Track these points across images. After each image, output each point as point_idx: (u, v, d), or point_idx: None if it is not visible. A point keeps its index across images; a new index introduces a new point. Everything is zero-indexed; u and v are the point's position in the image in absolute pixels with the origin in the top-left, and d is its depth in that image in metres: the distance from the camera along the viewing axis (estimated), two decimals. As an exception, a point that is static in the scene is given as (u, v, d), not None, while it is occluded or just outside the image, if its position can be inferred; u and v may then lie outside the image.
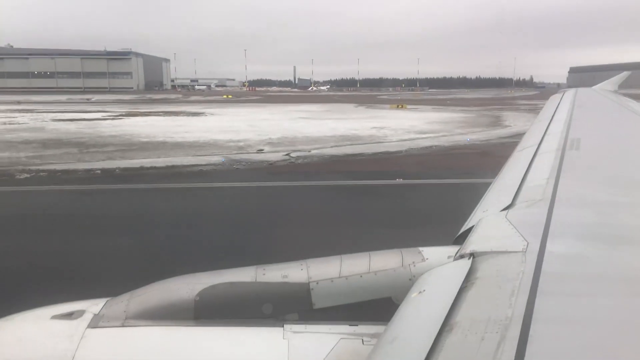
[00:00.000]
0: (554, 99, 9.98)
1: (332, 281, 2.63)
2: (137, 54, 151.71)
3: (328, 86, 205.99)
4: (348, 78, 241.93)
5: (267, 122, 38.82)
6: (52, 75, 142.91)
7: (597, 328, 1.61)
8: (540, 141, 4.94)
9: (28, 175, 17.62)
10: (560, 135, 5.11)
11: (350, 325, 2.46)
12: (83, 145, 25.35)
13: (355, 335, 2.38)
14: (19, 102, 67.31)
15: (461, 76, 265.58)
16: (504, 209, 2.93)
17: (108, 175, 18.02)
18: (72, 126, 35.64)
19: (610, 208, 2.82)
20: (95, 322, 2.47)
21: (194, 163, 20.17)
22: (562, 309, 1.70)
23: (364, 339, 2.35)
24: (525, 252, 2.16)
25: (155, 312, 2.53)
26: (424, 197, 14.90)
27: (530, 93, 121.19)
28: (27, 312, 2.59)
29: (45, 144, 25.94)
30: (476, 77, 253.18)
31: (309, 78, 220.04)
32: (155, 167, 19.32)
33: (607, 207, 2.84)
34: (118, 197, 15.17)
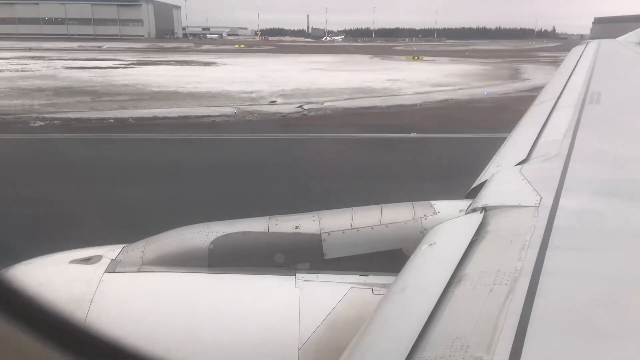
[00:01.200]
0: (576, 51, 9.69)
1: (343, 232, 2.66)
2: (147, 1, 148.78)
3: (342, 36, 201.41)
4: (363, 28, 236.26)
5: (279, 73, 38.34)
6: (62, 21, 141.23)
7: (607, 282, 1.62)
8: (560, 95, 4.83)
9: (42, 123, 17.73)
10: (580, 88, 4.99)
11: (360, 275, 2.50)
12: (95, 94, 25.33)
13: (365, 284, 2.43)
14: (30, 49, 66.92)
15: (481, 26, 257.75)
16: (519, 164, 2.91)
17: (121, 124, 18.08)
18: (84, 74, 35.52)
19: (628, 164, 2.78)
20: (113, 267, 2.54)
21: (205, 114, 20.12)
22: (572, 263, 1.71)
23: (374, 288, 2.39)
24: (538, 206, 2.15)
25: (170, 259, 2.59)
26: (438, 151, 14.79)
27: (551, 44, 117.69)
28: (46, 257, 2.67)
29: (58, 92, 25.95)
30: (496, 28, 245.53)
31: (322, 28, 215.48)
32: (167, 117, 19.33)
33: (624, 162, 2.80)
34: (131, 146, 15.26)
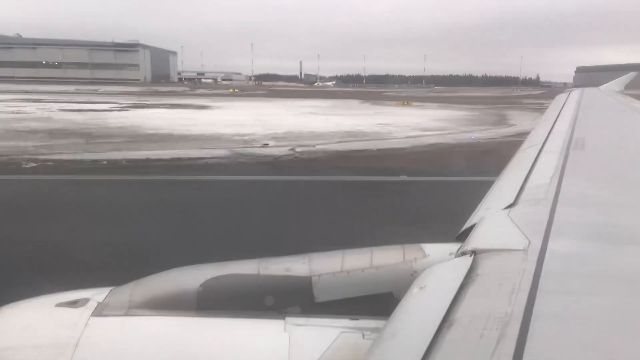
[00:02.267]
0: (560, 98, 9.93)
1: (334, 275, 2.64)
2: (144, 46, 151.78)
3: (334, 82, 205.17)
4: (354, 74, 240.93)
5: (272, 117, 38.82)
6: (59, 65, 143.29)
7: (597, 327, 1.62)
8: (545, 140, 4.93)
9: (35, 165, 17.70)
10: (565, 134, 5.10)
11: (351, 319, 2.47)
12: (90, 136, 25.44)
13: (356, 329, 2.40)
14: (26, 92, 67.51)
15: (467, 74, 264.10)
16: (507, 207, 2.93)
17: (114, 165, 18.09)
18: (79, 117, 35.75)
19: (614, 208, 2.82)
20: (99, 311, 2.50)
21: (198, 156, 20.21)
22: (562, 307, 1.71)
23: (365, 333, 2.37)
24: (526, 250, 2.17)
25: (159, 302, 2.55)
26: (428, 194, 14.88)
27: (536, 92, 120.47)
28: (32, 300, 2.62)
29: (52, 133, 26.04)
30: (482, 76, 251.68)
31: (315, 74, 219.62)
32: (160, 159, 19.38)
33: (610, 207, 2.84)
34: (124, 188, 15.22)
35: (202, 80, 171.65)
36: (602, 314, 1.70)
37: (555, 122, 6.22)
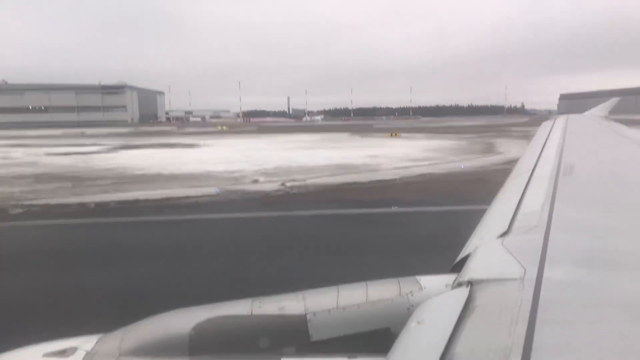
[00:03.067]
0: (546, 125, 10.08)
1: (329, 312, 2.59)
2: (131, 88, 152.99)
3: (322, 116, 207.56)
4: (342, 108, 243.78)
5: (261, 153, 38.99)
6: (46, 109, 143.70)
7: (598, 355, 1.59)
8: (534, 167, 4.97)
9: (21, 210, 17.49)
10: (553, 161, 5.15)
11: (348, 357, 2.42)
12: (77, 179, 25.29)
13: None
14: (13, 137, 67.39)
15: (454, 104, 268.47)
16: (500, 236, 2.92)
17: (102, 208, 17.93)
18: (66, 160, 35.63)
19: (607, 233, 2.82)
20: (88, 360, 2.42)
21: (188, 195, 20.12)
22: (562, 336, 1.68)
23: (363, 372, 2.31)
24: (523, 279, 2.15)
25: (149, 348, 2.48)
26: (420, 225, 14.87)
27: (522, 120, 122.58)
28: (19, 350, 2.54)
29: (39, 178, 25.86)
30: (468, 105, 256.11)
31: (302, 108, 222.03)
32: (149, 200, 19.26)
33: (603, 232, 2.84)
34: (113, 230, 15.05)
35: (190, 118, 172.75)
36: (604, 342, 1.68)
37: (542, 149, 6.29)
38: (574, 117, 11.66)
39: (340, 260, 10.85)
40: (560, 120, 10.70)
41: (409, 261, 10.26)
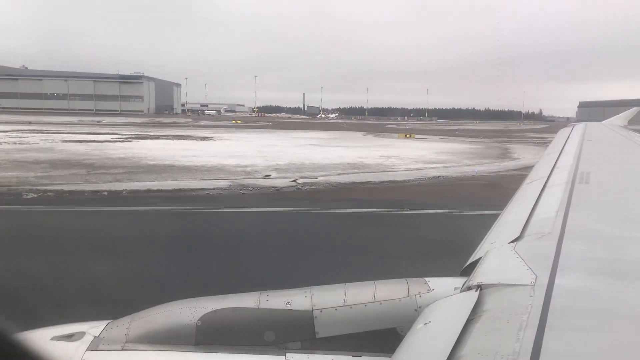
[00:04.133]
0: (564, 132, 9.98)
1: (336, 310, 2.59)
2: (149, 78, 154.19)
3: (337, 114, 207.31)
4: (357, 106, 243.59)
5: (274, 148, 39.06)
6: (64, 97, 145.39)
7: None
8: (550, 174, 4.92)
9: (35, 195, 17.72)
10: (569, 168, 5.09)
11: (353, 356, 2.41)
12: (91, 167, 25.55)
13: None
14: (30, 123, 68.27)
15: (470, 107, 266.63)
16: (512, 241, 2.90)
17: (114, 196, 18.10)
18: (81, 147, 36.01)
19: (621, 243, 2.79)
20: (95, 345, 2.44)
21: (200, 187, 20.23)
22: (571, 344, 1.66)
23: (368, 370, 2.31)
24: (533, 285, 2.13)
25: (156, 336, 2.50)
26: (431, 227, 14.80)
27: (539, 126, 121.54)
28: (27, 333, 2.57)
29: (54, 164, 26.17)
30: (485, 109, 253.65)
31: (317, 105, 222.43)
32: (161, 190, 19.40)
33: (617, 241, 2.81)
34: (123, 219, 15.18)
35: (206, 111, 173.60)
36: (612, 351, 1.66)
37: (559, 156, 6.23)
38: (592, 125, 11.53)
39: (347, 260, 10.84)
40: (579, 127, 10.59)
41: (416, 263, 10.22)
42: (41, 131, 52.69)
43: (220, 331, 2.52)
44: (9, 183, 19.95)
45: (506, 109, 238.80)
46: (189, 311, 2.58)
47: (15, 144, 37.71)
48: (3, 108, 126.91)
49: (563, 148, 7.01)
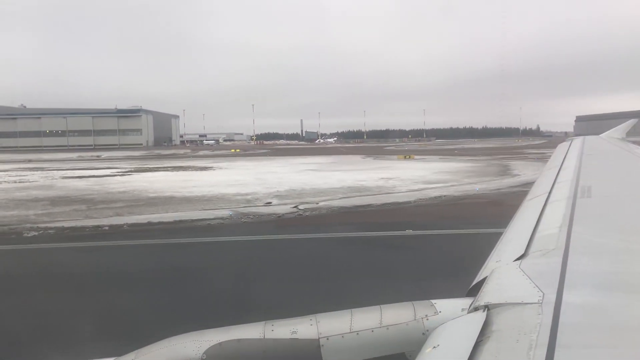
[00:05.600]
0: (562, 147, 10.01)
1: (342, 337, 2.55)
2: (147, 111, 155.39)
3: (335, 138, 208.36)
4: (355, 130, 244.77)
5: (274, 175, 39.14)
6: (63, 133, 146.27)
7: None
8: (551, 189, 4.92)
9: (36, 233, 17.67)
10: (570, 183, 5.09)
11: (362, 383, 2.37)
12: (91, 202, 25.55)
13: None
14: (29, 161, 68.57)
15: (468, 126, 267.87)
16: (517, 259, 2.88)
17: (116, 231, 18.05)
18: (81, 183, 36.08)
19: (627, 256, 2.76)
20: (99, 384, 2.41)
21: (201, 217, 20.18)
22: None
23: (378, 399, 2.26)
24: (541, 303, 2.11)
25: None
26: (435, 248, 14.73)
27: (537, 142, 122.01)
28: None
29: (54, 201, 26.17)
30: (483, 127, 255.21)
31: (316, 131, 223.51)
32: (162, 222, 19.36)
33: (622, 255, 2.79)
34: (125, 253, 15.10)
35: (204, 141, 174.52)
36: None
37: (559, 171, 6.23)
38: (590, 139, 11.56)
39: (352, 284, 10.75)
40: (577, 141, 10.62)
41: (421, 284, 10.13)
42: (41, 169, 52.87)
43: None
44: (10, 222, 19.91)
45: (504, 126, 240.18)
46: (193, 345, 2.55)
47: (15, 182, 37.79)
48: (2, 147, 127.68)
49: (563, 163, 7.02)
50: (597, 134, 13.83)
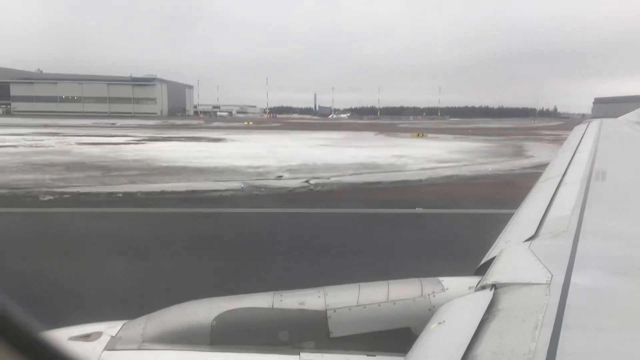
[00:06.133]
0: (579, 129, 9.87)
1: (349, 309, 2.59)
2: (161, 81, 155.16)
3: (348, 114, 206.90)
4: (368, 106, 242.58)
5: (286, 149, 39.13)
6: (79, 99, 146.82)
7: None
8: (565, 172, 4.87)
9: (52, 197, 17.94)
10: (585, 166, 5.04)
11: (367, 355, 2.42)
12: (106, 169, 25.81)
13: None
14: (46, 126, 69.16)
15: (483, 105, 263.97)
16: (527, 240, 2.88)
17: (129, 198, 18.26)
18: (96, 150, 36.39)
19: (638, 241, 2.75)
20: (112, 345, 2.48)
21: (213, 188, 20.33)
22: (588, 343, 1.65)
23: (382, 370, 2.31)
24: (549, 284, 2.11)
25: (172, 336, 2.52)
26: (444, 227, 14.72)
27: (554, 123, 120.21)
28: (44, 333, 2.60)
29: (70, 167, 26.48)
30: (499, 107, 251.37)
31: (329, 106, 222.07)
32: (175, 192, 19.54)
33: (635, 240, 2.77)
34: (138, 220, 15.31)
35: (218, 113, 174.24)
36: (630, 351, 1.64)
37: (574, 153, 6.16)
38: (608, 122, 11.37)
39: (359, 260, 10.82)
40: (594, 124, 10.45)
41: (429, 262, 10.17)
42: (57, 134, 53.35)
43: (235, 331, 2.54)
44: (26, 185, 20.23)
45: (520, 107, 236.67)
46: (203, 311, 2.61)
47: (31, 146, 38.22)
48: (19, 111, 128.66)
49: (578, 145, 6.94)
50: (616, 117, 13.58)
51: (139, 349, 2.47)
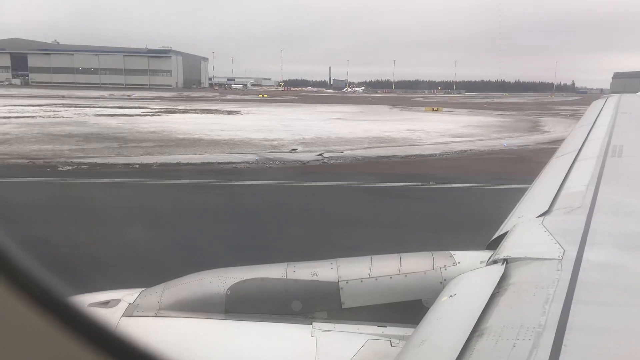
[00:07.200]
0: (597, 104, 9.68)
1: (361, 281, 2.63)
2: (177, 53, 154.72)
3: (363, 87, 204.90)
4: (383, 80, 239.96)
5: (301, 122, 39.00)
6: (95, 71, 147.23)
7: (634, 339, 1.57)
8: (581, 147, 4.81)
9: (70, 168, 18.19)
10: (601, 141, 4.97)
11: (378, 326, 2.46)
12: (123, 140, 26.02)
13: (383, 336, 2.38)
14: (63, 97, 69.63)
15: (500, 79, 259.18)
16: (540, 215, 2.87)
17: (146, 169, 18.45)
18: (113, 121, 36.63)
19: None
20: (130, 311, 2.55)
21: (228, 160, 20.43)
22: (598, 318, 1.66)
23: (392, 340, 2.35)
24: (561, 259, 2.12)
25: (188, 304, 2.59)
26: (456, 201, 14.68)
27: (571, 98, 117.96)
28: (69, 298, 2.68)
29: (87, 138, 26.73)
30: (515, 81, 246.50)
31: (344, 79, 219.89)
32: (190, 164, 19.68)
33: None
34: (155, 191, 15.49)
35: (232, 85, 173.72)
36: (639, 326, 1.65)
37: (591, 128, 6.07)
38: (627, 97, 11.13)
39: (371, 233, 10.88)
40: (612, 99, 10.24)
41: (441, 236, 10.18)
42: (74, 105, 53.73)
43: (249, 300, 2.60)
44: (45, 156, 20.52)
45: (537, 81, 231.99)
46: (219, 280, 2.67)
47: (49, 117, 38.59)
48: (37, 82, 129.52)
49: (595, 121, 6.82)
50: (635, 92, 13.28)
51: (156, 316, 2.54)
